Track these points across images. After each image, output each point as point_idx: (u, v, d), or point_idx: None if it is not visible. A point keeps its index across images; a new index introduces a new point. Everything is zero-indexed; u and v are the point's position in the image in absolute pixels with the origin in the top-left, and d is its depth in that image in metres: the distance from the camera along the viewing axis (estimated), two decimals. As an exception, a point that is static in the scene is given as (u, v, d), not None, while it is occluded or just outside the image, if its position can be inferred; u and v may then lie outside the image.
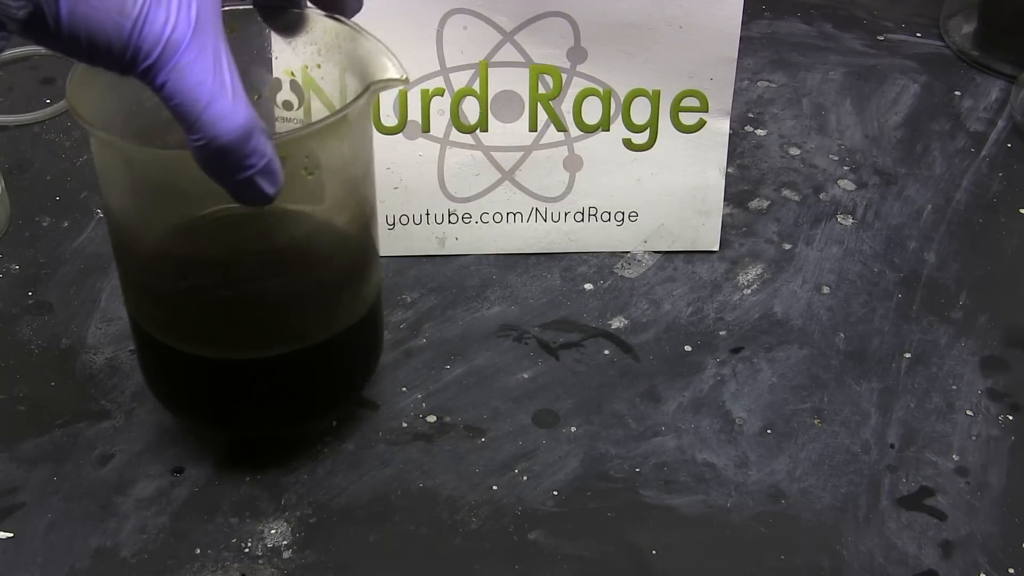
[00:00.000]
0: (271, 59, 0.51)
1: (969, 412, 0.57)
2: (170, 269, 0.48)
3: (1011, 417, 0.57)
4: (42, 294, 0.62)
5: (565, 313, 0.62)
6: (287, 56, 0.50)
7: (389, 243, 0.64)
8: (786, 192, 0.70)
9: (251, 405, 0.52)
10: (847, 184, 0.71)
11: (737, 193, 0.70)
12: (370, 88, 0.46)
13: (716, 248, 0.66)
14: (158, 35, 0.36)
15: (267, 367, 0.50)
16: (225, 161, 0.39)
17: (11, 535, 0.50)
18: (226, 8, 0.49)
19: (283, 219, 0.49)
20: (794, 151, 0.74)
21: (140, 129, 0.49)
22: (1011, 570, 0.50)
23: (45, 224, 0.66)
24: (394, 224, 0.64)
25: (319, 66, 0.50)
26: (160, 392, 0.53)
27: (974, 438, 0.56)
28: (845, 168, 0.72)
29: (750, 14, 0.79)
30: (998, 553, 0.51)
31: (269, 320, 0.49)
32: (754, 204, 0.69)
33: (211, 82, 0.37)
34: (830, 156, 0.73)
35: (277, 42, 0.50)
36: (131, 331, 0.53)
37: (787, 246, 0.67)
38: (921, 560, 0.51)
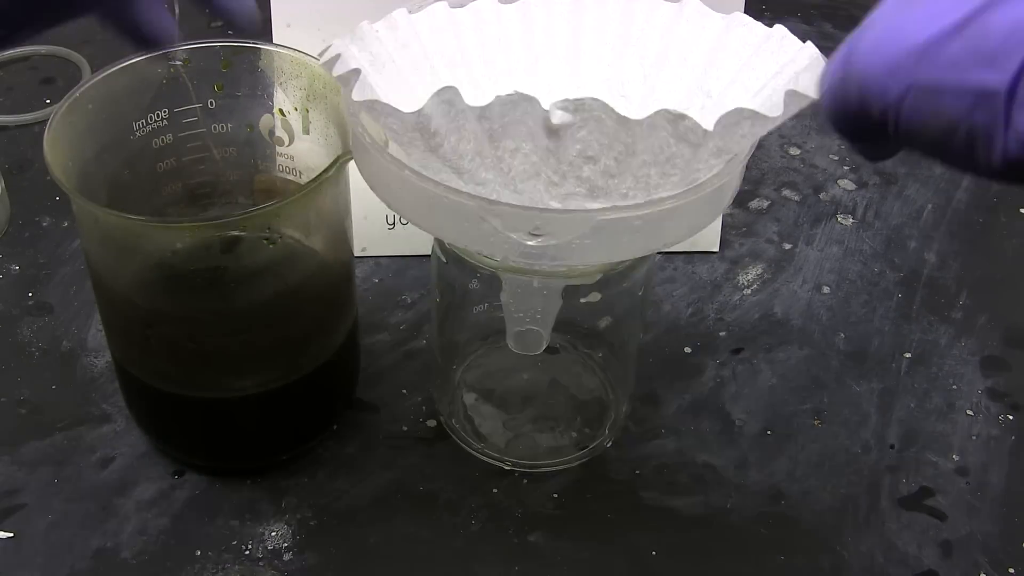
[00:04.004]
0: (261, 95, 0.51)
1: (969, 412, 0.57)
2: (137, 317, 0.48)
3: (1011, 417, 0.57)
4: (42, 295, 0.62)
5: (565, 314, 0.62)
6: (279, 96, 0.51)
7: (389, 243, 0.64)
8: (786, 192, 0.70)
9: (215, 439, 0.52)
10: (847, 184, 0.71)
11: (737, 193, 0.69)
12: (339, 161, 0.45)
13: (716, 248, 0.66)
14: None
15: (229, 406, 0.50)
16: None
17: (11, 535, 0.51)
18: (220, 44, 0.49)
19: (246, 282, 0.48)
20: (794, 151, 0.74)
21: (128, 160, 0.49)
22: (1011, 570, 0.51)
23: (45, 224, 0.66)
24: (394, 224, 0.64)
25: (308, 110, 0.50)
26: (134, 415, 0.54)
27: (974, 438, 0.56)
28: (845, 168, 0.72)
29: (750, 14, 0.79)
30: (998, 553, 0.51)
31: (232, 367, 0.49)
32: (754, 204, 0.69)
33: None
34: (830, 156, 0.73)
35: (269, 80, 0.50)
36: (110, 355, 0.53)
37: (787, 246, 0.67)
38: (921, 560, 0.51)
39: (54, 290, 0.62)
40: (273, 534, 0.51)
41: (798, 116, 0.75)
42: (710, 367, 0.59)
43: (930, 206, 0.70)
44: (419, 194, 0.40)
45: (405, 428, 0.56)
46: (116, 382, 0.56)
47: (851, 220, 0.69)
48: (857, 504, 0.53)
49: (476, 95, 0.47)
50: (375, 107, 0.38)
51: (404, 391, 0.57)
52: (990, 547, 0.51)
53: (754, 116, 0.36)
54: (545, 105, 0.34)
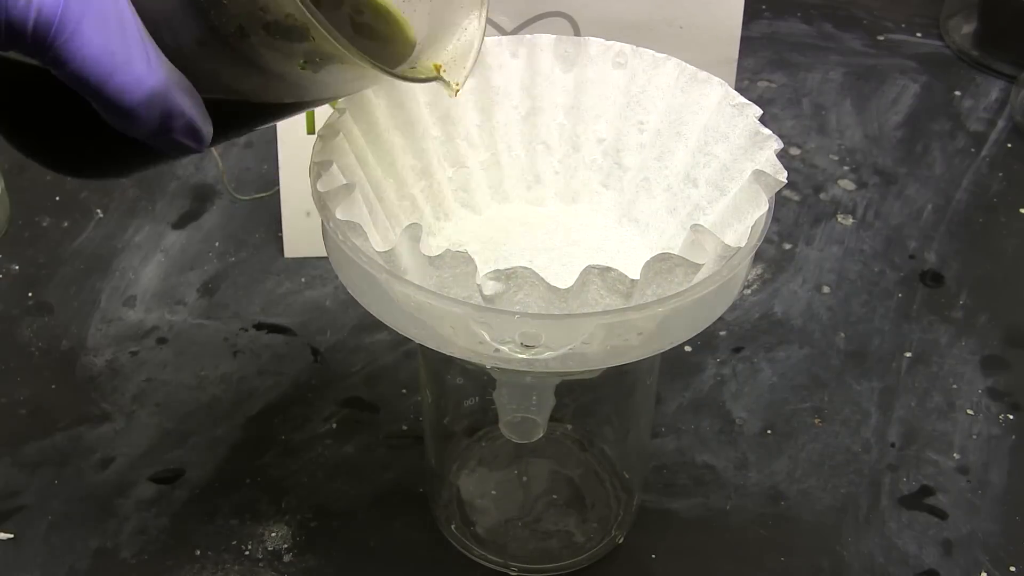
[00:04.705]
0: None
1: (970, 411, 0.57)
2: None
3: (1011, 416, 0.57)
4: (42, 295, 0.62)
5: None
6: None
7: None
8: (786, 192, 0.70)
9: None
10: (847, 184, 0.71)
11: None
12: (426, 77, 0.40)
13: (716, 248, 0.65)
14: (53, 6, 0.32)
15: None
16: (135, 126, 0.36)
17: (11, 536, 0.51)
18: None
19: None
20: (794, 151, 0.73)
21: None
22: (1012, 568, 0.50)
23: (45, 224, 0.66)
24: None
25: None
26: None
27: (975, 437, 0.56)
28: (845, 168, 0.72)
29: (750, 14, 0.79)
30: (999, 552, 0.51)
31: None
32: (754, 204, 0.69)
33: (114, 51, 0.34)
34: (830, 156, 0.73)
35: None
36: None
37: (787, 246, 0.66)
38: (922, 560, 0.51)
39: (54, 290, 0.62)
40: (273, 535, 0.51)
41: (798, 117, 0.74)
42: (710, 365, 0.59)
43: (930, 206, 0.70)
44: (396, 299, 0.37)
45: (405, 427, 0.56)
46: (115, 381, 0.56)
47: (851, 220, 0.68)
48: (857, 503, 0.53)
49: (467, 151, 0.46)
50: (354, 229, 0.36)
51: (404, 391, 0.57)
52: (991, 546, 0.51)
53: (686, 264, 0.35)
54: (478, 276, 0.34)
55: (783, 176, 0.39)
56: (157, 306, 0.61)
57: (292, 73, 0.35)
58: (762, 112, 0.42)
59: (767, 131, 0.41)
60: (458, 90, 0.41)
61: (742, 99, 0.42)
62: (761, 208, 0.39)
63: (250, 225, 0.66)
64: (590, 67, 0.45)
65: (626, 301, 0.35)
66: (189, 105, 0.36)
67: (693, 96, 0.44)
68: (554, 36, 0.45)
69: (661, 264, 0.35)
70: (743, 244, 0.37)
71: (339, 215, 0.37)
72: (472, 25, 0.42)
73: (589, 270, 0.34)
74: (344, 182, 0.38)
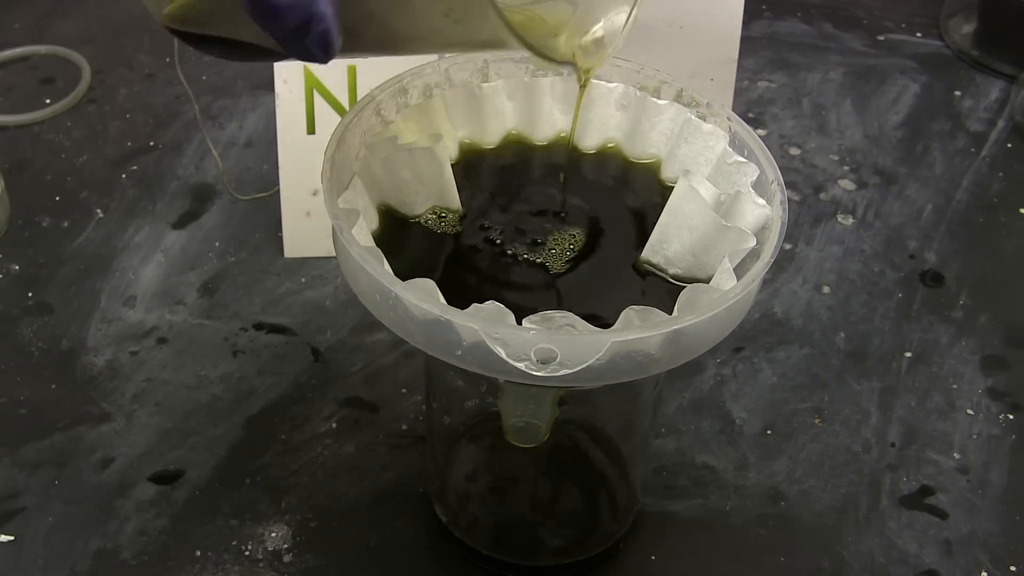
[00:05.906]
0: None
1: (970, 411, 0.57)
2: None
3: (1011, 416, 0.57)
4: (42, 295, 0.62)
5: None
6: None
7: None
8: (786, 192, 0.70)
9: None
10: (847, 184, 0.71)
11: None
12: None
13: (716, 248, 0.65)
14: None
15: None
16: (274, 23, 0.36)
17: (12, 538, 0.51)
18: None
19: None
20: (794, 151, 0.74)
21: None
22: (1012, 568, 0.51)
23: (45, 224, 0.66)
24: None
25: None
26: None
27: (975, 437, 0.56)
28: (845, 168, 0.72)
29: (750, 14, 0.79)
30: (1000, 551, 0.51)
31: None
32: (754, 204, 0.69)
33: None
34: (830, 156, 0.73)
35: None
36: None
37: (787, 246, 0.67)
38: (922, 559, 0.51)
39: (54, 290, 0.62)
40: (273, 535, 0.51)
41: (798, 117, 0.74)
42: (710, 365, 0.59)
43: (930, 206, 0.70)
44: (411, 314, 0.37)
45: (405, 427, 0.56)
46: (115, 380, 0.56)
47: (851, 220, 0.69)
48: (858, 503, 0.53)
49: None
50: (368, 256, 0.37)
51: (404, 390, 0.57)
52: (991, 545, 0.51)
53: (710, 290, 0.38)
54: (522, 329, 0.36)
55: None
56: (157, 306, 0.61)
57: (434, 16, 0.36)
58: (759, 173, 0.42)
59: (759, 199, 0.42)
60: (588, 78, 0.41)
61: (739, 158, 0.43)
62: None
63: (250, 225, 0.66)
64: (591, 109, 0.46)
65: (653, 328, 0.36)
66: (331, 16, 0.36)
67: (697, 147, 0.44)
68: (552, 77, 0.45)
69: (691, 294, 0.37)
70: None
71: (357, 234, 0.38)
72: (619, 17, 0.43)
73: (629, 313, 0.36)
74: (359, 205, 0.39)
